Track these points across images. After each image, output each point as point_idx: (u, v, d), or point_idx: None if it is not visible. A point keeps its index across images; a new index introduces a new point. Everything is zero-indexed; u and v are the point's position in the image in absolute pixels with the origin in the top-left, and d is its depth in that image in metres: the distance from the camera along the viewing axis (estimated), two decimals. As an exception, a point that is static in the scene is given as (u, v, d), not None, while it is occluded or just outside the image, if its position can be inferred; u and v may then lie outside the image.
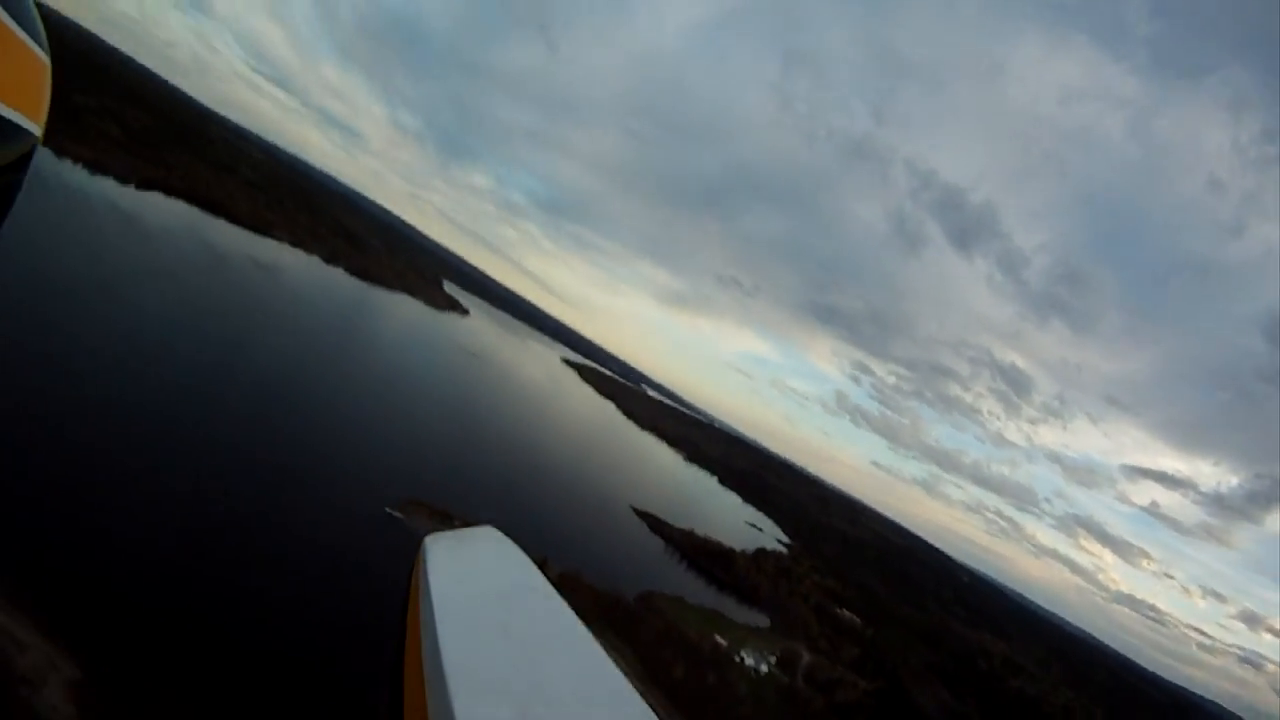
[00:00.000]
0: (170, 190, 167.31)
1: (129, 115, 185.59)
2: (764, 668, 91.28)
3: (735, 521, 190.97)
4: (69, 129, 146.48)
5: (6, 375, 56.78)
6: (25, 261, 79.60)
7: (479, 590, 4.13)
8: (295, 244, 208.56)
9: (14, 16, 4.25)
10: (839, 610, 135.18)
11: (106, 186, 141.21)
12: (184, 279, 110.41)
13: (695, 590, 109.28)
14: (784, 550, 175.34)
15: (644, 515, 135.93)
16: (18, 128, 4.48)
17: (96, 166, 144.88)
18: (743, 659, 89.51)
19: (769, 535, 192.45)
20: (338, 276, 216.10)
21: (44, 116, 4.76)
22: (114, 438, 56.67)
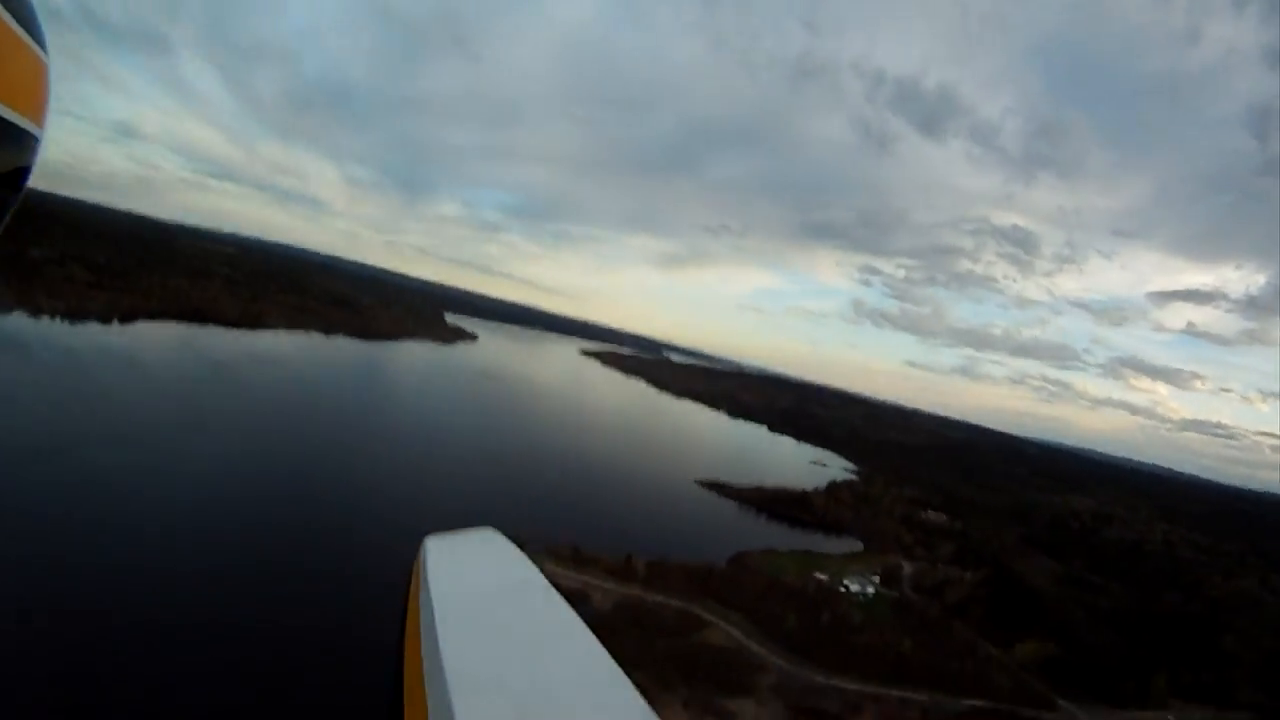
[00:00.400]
0: (153, 314, 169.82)
1: (90, 254, 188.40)
2: (870, 590, 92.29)
3: (798, 464, 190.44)
4: (34, 285, 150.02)
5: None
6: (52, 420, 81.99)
7: (478, 589, 4.36)
8: (291, 326, 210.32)
9: (14, 15, 4.59)
10: (924, 514, 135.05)
11: (90, 332, 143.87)
12: (192, 401, 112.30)
13: (782, 539, 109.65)
14: (854, 476, 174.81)
15: (709, 485, 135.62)
16: (18, 129, 4.79)
17: (73, 314, 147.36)
18: (848, 588, 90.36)
19: (834, 467, 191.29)
20: (342, 345, 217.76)
21: (45, 117, 5.10)
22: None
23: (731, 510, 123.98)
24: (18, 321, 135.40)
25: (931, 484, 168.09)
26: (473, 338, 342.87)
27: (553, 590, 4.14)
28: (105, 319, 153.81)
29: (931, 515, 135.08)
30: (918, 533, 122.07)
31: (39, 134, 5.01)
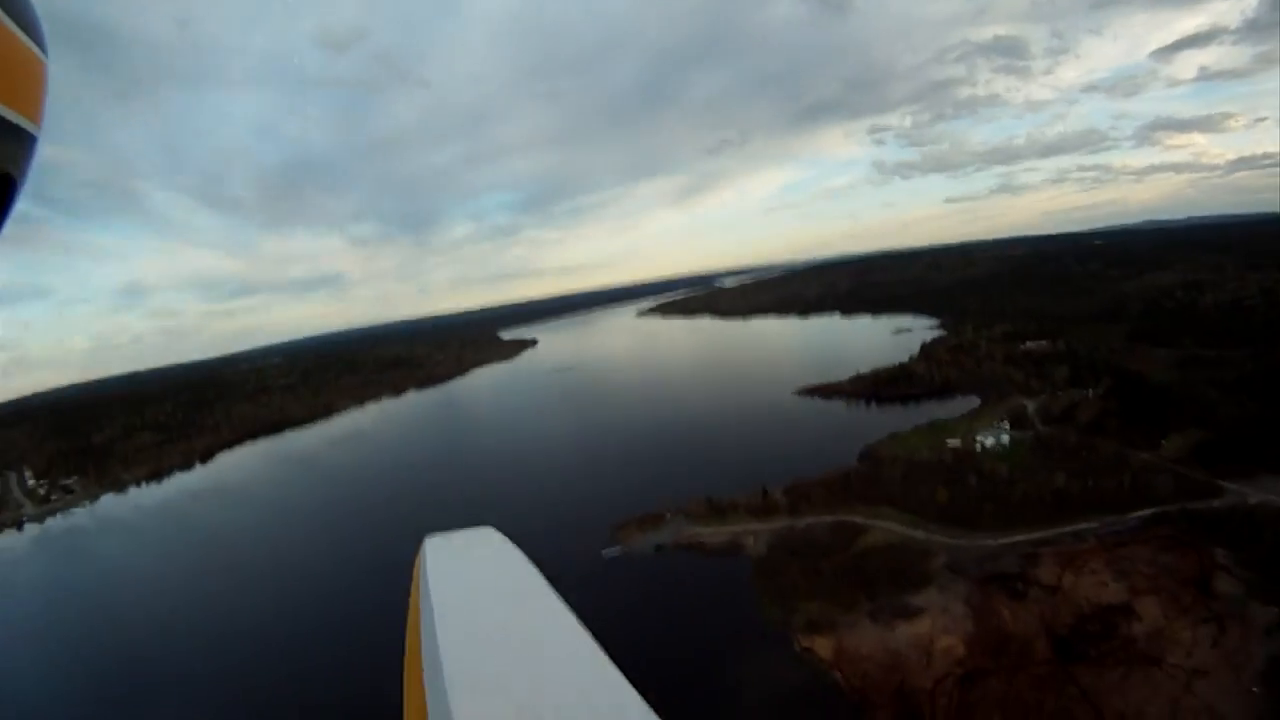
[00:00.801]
0: (230, 444, 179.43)
1: (151, 417, 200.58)
2: (1004, 438, 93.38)
3: (882, 337, 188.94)
4: (110, 464, 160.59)
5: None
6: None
7: (477, 590, 4.46)
8: (362, 402, 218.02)
9: (12, 15, 4.71)
10: (1024, 346, 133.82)
11: (180, 484, 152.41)
12: (304, 501, 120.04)
13: (900, 419, 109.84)
14: (940, 331, 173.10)
15: (810, 391, 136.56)
16: (17, 128, 4.88)
17: (157, 475, 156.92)
18: (983, 444, 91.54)
19: (917, 328, 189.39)
20: (414, 399, 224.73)
21: (42, 116, 5.29)
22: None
23: (840, 409, 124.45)
24: (110, 503, 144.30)
25: (1018, 312, 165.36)
26: (532, 344, 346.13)
27: (551, 590, 4.25)
28: (188, 466, 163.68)
29: (1031, 345, 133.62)
30: (1026, 367, 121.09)
31: (36, 133, 5.27)
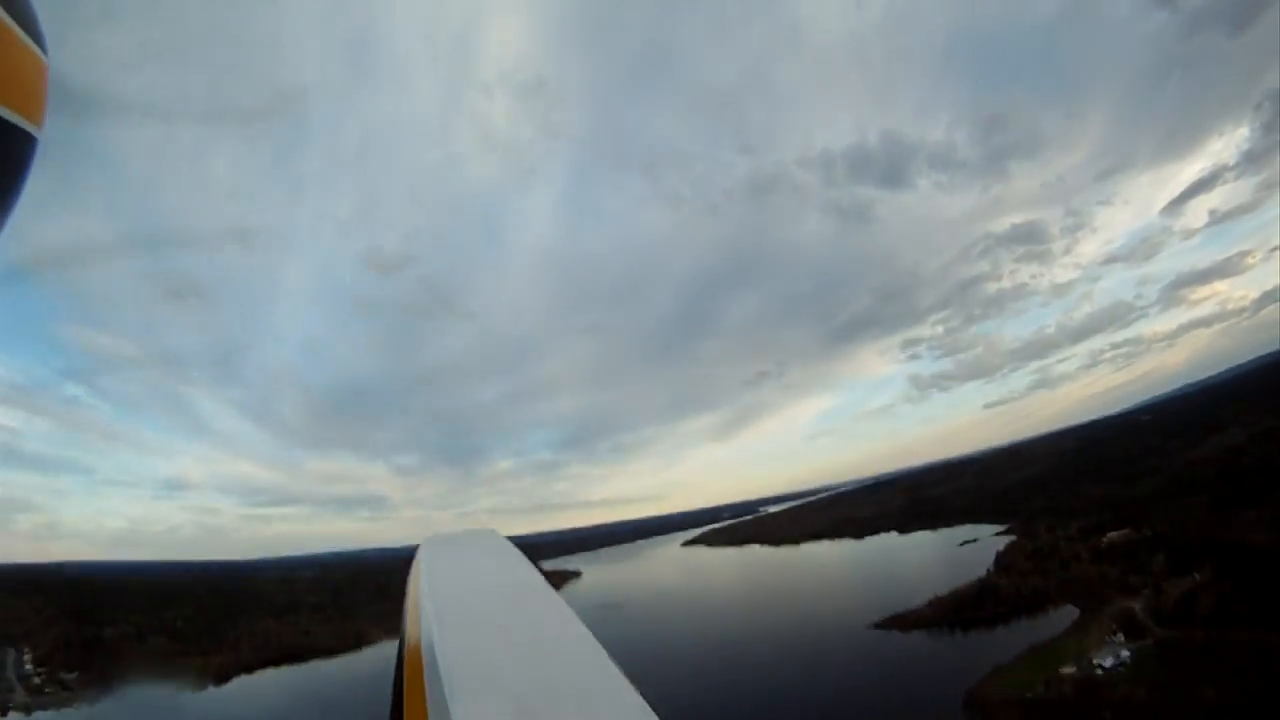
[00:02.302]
0: (249, 667, 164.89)
1: (169, 619, 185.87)
2: (1124, 652, 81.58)
3: (948, 554, 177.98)
4: (115, 666, 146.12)
5: None
6: None
7: (477, 589, 4.25)
8: (394, 634, 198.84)
9: (12, 14, 4.56)
10: (1105, 539, 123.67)
11: (189, 709, 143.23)
12: None
13: (996, 647, 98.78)
14: (1010, 538, 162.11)
15: (884, 624, 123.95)
16: (17, 129, 4.81)
17: (165, 693, 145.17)
18: (1101, 666, 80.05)
19: (984, 538, 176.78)
20: None
21: (43, 116, 5.15)
22: None
23: (925, 643, 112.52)
24: (105, 715, 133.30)
25: (1086, 504, 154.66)
26: (576, 575, 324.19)
27: (551, 590, 4.05)
28: (199, 685, 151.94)
29: (1114, 535, 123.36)
30: (1116, 561, 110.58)
31: (38, 134, 5.13)
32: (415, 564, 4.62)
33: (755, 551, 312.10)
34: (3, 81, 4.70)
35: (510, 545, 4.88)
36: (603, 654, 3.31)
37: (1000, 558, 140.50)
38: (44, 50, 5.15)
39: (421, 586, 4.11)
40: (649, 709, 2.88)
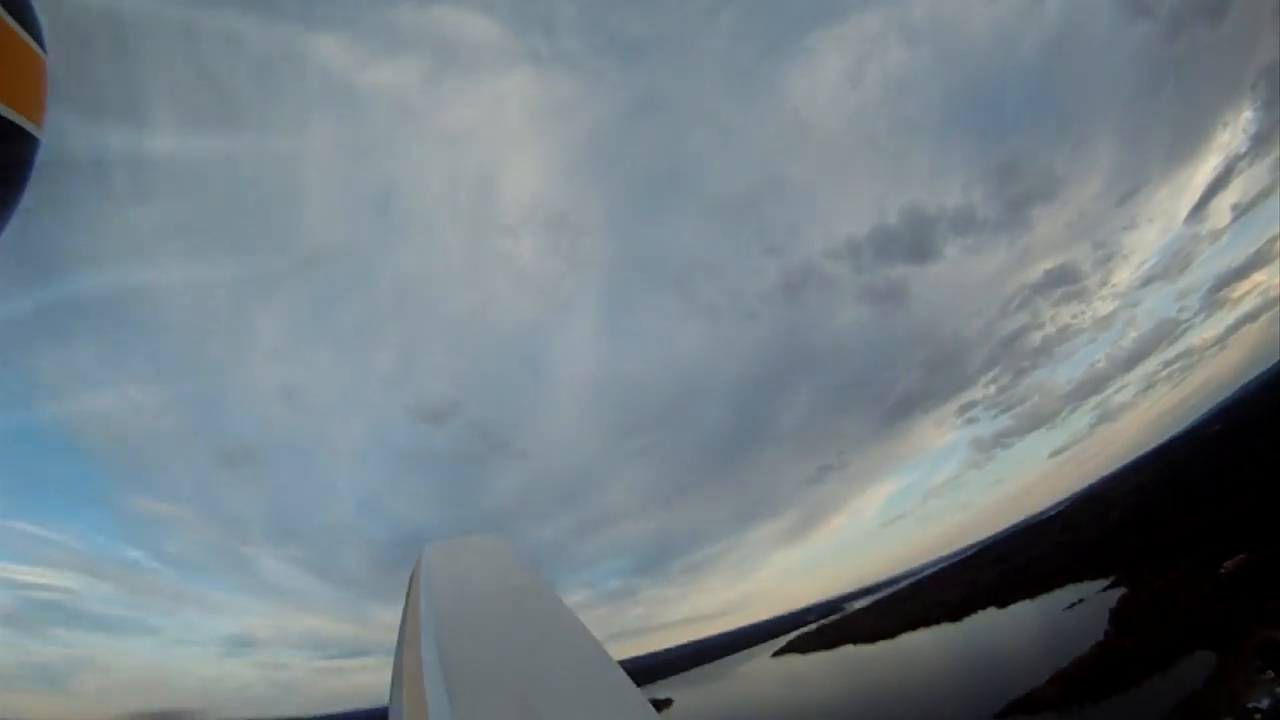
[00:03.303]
0: None
1: None
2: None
3: (1056, 621, 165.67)
4: None
5: None
6: None
7: (478, 593, 4.18)
8: None
9: (12, 12, 4.52)
10: (1222, 570, 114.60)
11: None
12: None
13: (1138, 713, 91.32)
14: (1117, 591, 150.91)
15: (1007, 711, 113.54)
16: (18, 129, 4.74)
17: None
18: (1259, 709, 72.23)
19: (1089, 597, 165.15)
20: None
21: (43, 116, 5.04)
22: None
23: None
24: None
25: (1188, 536, 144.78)
26: (667, 704, 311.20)
27: (555, 593, 4.01)
28: None
29: (1229, 564, 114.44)
30: (1241, 592, 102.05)
31: (38, 134, 5.04)
32: (415, 570, 4.43)
33: (851, 652, 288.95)
34: (2, 81, 4.60)
35: (513, 552, 4.76)
36: (606, 654, 3.31)
37: (1115, 615, 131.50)
38: (43, 48, 5.08)
39: (422, 592, 3.98)
40: (654, 712, 2.86)
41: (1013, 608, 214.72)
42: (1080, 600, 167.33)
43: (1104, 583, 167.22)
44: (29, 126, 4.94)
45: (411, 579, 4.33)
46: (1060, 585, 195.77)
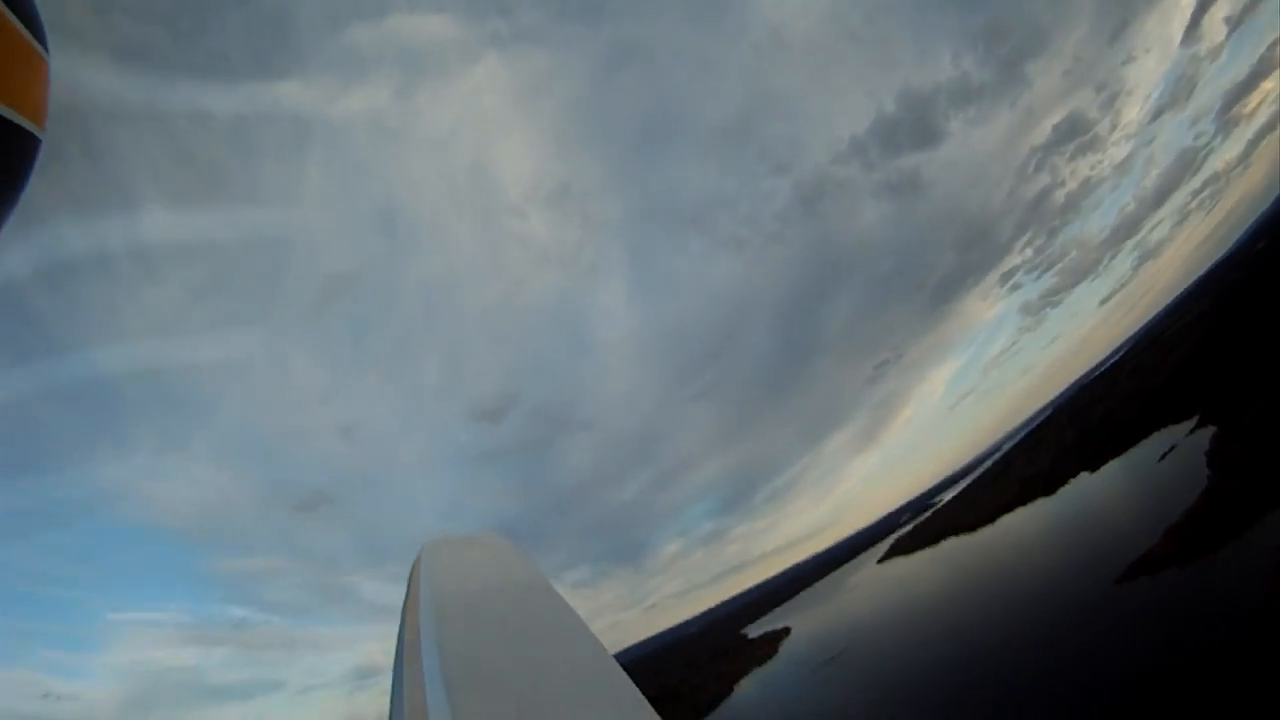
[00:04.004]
0: None
1: None
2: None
3: (1153, 475, 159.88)
4: None
5: None
6: None
7: (478, 590, 4.20)
8: None
9: (12, 9, 4.48)
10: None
11: None
12: None
13: (1263, 552, 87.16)
14: (1206, 429, 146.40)
15: (1128, 575, 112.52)
16: (18, 129, 4.72)
17: None
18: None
19: (1182, 443, 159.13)
20: None
21: (44, 116, 4.98)
22: None
23: (1183, 579, 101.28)
24: None
25: (1265, 360, 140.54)
26: (785, 633, 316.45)
27: (555, 591, 4.07)
28: None
29: None
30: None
31: (40, 135, 5.04)
32: (415, 566, 4.61)
33: (954, 545, 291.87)
34: (3, 80, 4.63)
35: (514, 548, 4.90)
36: (606, 653, 3.38)
37: (1211, 457, 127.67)
38: (45, 46, 5.16)
39: (422, 588, 4.14)
40: (652, 710, 2.90)
41: (1105, 469, 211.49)
42: (1172, 448, 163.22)
43: (1190, 424, 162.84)
44: (30, 127, 4.97)
45: (411, 576, 4.54)
46: (1146, 435, 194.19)
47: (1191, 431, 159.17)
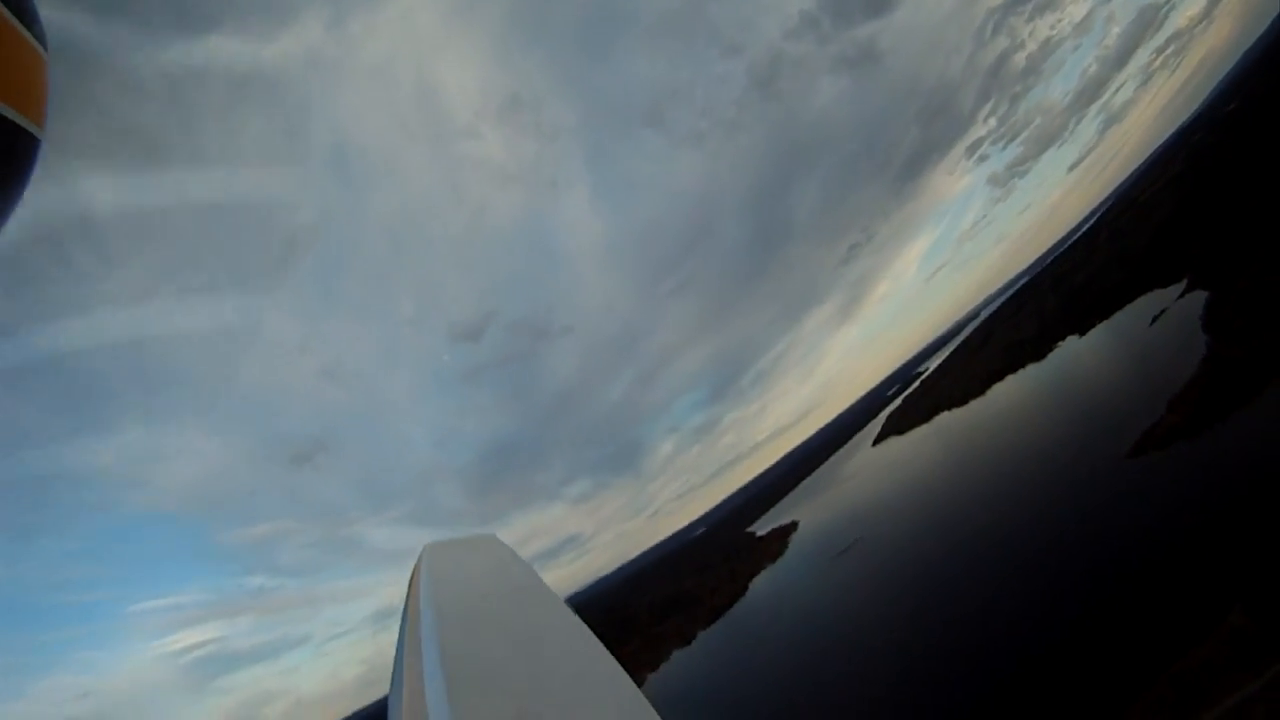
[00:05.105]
0: None
1: None
2: None
3: (1147, 341, 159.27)
4: None
5: None
6: None
7: (477, 593, 4.22)
8: (655, 667, 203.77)
9: (11, 8, 4.51)
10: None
11: None
12: None
13: (1268, 423, 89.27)
14: (1197, 295, 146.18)
15: (1138, 449, 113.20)
16: (17, 128, 4.72)
17: None
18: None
19: (1172, 307, 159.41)
20: (708, 643, 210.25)
21: (44, 115, 5.00)
22: None
23: (1196, 451, 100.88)
24: None
25: (1253, 227, 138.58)
26: (793, 528, 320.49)
27: (553, 594, 4.10)
28: None
29: None
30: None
31: (39, 134, 4.93)
32: (415, 570, 4.68)
33: (949, 419, 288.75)
34: (2, 78, 4.61)
35: (512, 551, 4.94)
36: (607, 654, 3.43)
37: (1207, 323, 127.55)
38: (44, 44, 5.10)
39: (422, 590, 4.21)
40: (652, 710, 2.96)
41: (1094, 333, 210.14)
42: (1162, 311, 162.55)
43: (1178, 288, 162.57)
44: (30, 126, 4.91)
45: (411, 579, 4.56)
46: (1132, 299, 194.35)
47: (1182, 295, 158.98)
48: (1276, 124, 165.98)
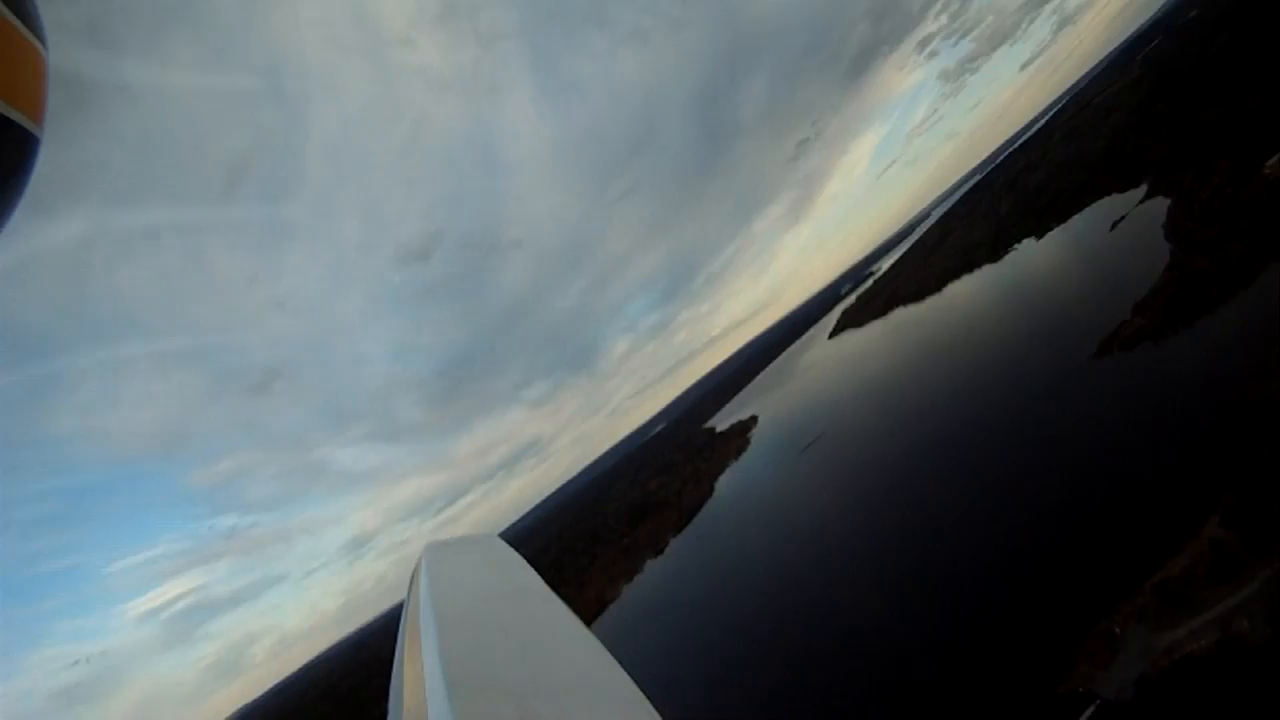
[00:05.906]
0: None
1: None
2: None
3: (1108, 245, 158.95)
4: None
5: None
6: None
7: (478, 594, 4.36)
8: (629, 578, 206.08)
9: (9, 5, 4.61)
10: (1269, 170, 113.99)
11: None
12: None
13: (1230, 331, 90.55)
14: (1162, 201, 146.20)
15: (1103, 350, 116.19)
16: (16, 126, 4.84)
17: None
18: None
19: (1132, 213, 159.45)
20: (680, 550, 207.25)
21: (43, 113, 5.05)
22: None
23: (1162, 353, 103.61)
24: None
25: (1213, 133, 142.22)
26: (753, 422, 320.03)
27: (553, 595, 4.23)
28: None
29: (1272, 164, 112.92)
30: None
31: (38, 133, 4.96)
32: (415, 571, 4.68)
33: (905, 315, 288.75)
34: (1, 76, 4.55)
35: (512, 552, 4.96)
36: (606, 655, 3.50)
37: (1169, 230, 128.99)
38: (43, 41, 5.02)
39: (422, 591, 4.20)
40: (653, 711, 3.00)
41: (1051, 236, 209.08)
42: (1122, 217, 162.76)
43: (1138, 193, 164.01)
44: (28, 124, 4.86)
45: (411, 580, 4.64)
46: (1089, 202, 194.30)
47: (1141, 201, 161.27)
48: (1245, 41, 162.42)
